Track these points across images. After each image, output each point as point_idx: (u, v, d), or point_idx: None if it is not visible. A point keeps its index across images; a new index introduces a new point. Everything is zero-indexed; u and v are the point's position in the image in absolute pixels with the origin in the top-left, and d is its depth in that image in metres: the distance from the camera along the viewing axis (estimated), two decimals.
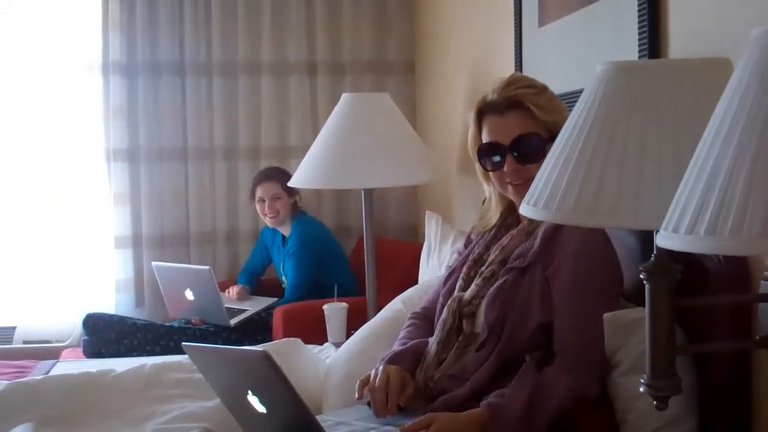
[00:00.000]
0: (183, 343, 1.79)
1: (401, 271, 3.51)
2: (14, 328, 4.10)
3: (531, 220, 1.90)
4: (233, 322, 3.56)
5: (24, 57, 4.05)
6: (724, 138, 0.86)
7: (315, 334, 2.98)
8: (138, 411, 2.20)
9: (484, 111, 1.92)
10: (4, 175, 4.12)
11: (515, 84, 1.91)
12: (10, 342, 4.03)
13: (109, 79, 4.00)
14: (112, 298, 4.08)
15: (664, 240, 0.92)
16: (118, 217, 4.06)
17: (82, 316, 3.63)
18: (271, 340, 3.09)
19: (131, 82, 4.03)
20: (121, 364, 2.54)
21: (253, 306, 3.73)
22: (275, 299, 3.76)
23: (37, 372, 2.86)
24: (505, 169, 1.88)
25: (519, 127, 1.87)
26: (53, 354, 3.70)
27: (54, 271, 4.14)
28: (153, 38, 4.04)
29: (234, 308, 3.70)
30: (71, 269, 4.11)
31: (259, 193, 3.83)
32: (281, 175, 3.79)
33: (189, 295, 3.54)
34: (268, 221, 3.87)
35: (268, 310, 3.69)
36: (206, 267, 3.57)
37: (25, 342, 4.05)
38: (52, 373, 2.74)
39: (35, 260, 4.15)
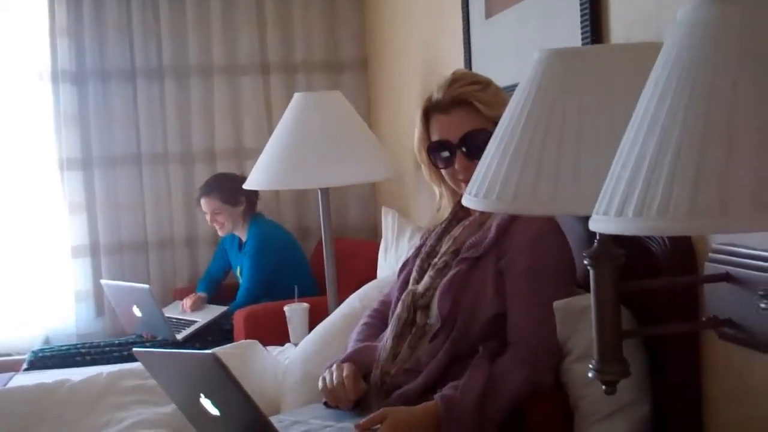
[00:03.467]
0: (134, 348, 1.78)
1: (362, 270, 3.50)
2: None
3: (482, 212, 1.91)
4: (180, 336, 3.52)
5: None
6: (651, 120, 0.86)
7: (277, 335, 2.97)
8: (94, 420, 2.18)
9: (430, 110, 1.94)
10: None
11: (459, 81, 1.92)
12: None
13: (59, 86, 3.95)
14: (71, 309, 4.04)
15: (595, 223, 0.93)
16: (74, 227, 4.01)
17: (28, 354, 3.54)
18: None
19: (81, 88, 3.99)
20: (78, 374, 2.51)
21: (204, 317, 3.70)
22: (226, 308, 3.73)
23: None
24: (456, 166, 1.90)
25: (466, 124, 1.88)
26: (12, 367, 3.65)
27: (11, 283, 4.08)
28: (102, 44, 3.99)
29: (184, 320, 3.67)
30: (29, 281, 4.06)
31: (201, 207, 3.81)
32: (220, 187, 3.75)
33: (137, 311, 3.51)
34: (218, 232, 3.85)
35: (219, 320, 3.66)
36: (146, 286, 3.52)
37: None
38: (9, 386, 2.70)
39: None
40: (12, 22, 3.98)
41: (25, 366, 3.44)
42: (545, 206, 1.23)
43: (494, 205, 1.25)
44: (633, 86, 1.19)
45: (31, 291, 4.07)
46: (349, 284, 3.22)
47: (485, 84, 1.93)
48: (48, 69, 3.95)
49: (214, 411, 1.67)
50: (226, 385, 1.57)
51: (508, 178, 1.23)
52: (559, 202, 1.21)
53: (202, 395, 1.65)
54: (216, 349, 2.22)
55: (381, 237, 3.40)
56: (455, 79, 1.91)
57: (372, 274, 3.16)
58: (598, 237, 1.37)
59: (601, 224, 0.91)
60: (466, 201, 1.32)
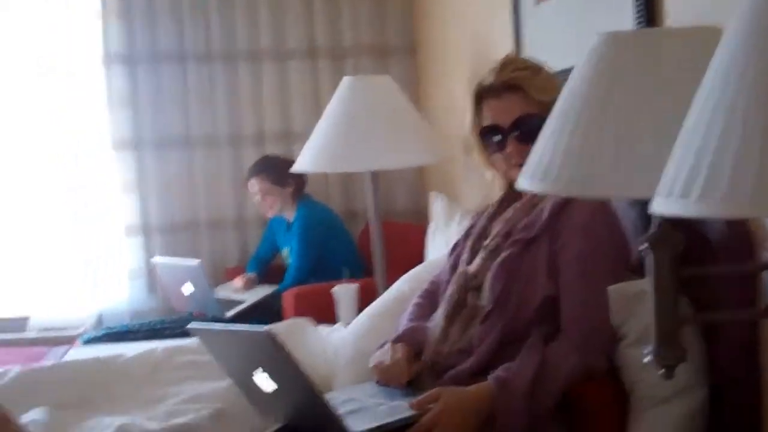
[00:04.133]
0: (190, 324, 1.81)
1: (409, 253, 3.52)
2: (27, 318, 4.13)
3: (534, 195, 1.92)
4: (229, 314, 3.57)
5: (26, 50, 4.07)
6: (715, 103, 0.86)
7: (326, 316, 3.00)
8: (149, 394, 2.23)
9: (482, 95, 1.94)
10: (13, 168, 4.14)
11: (510, 66, 1.93)
12: (23, 331, 4.07)
13: (111, 69, 4.01)
14: (124, 287, 4.11)
15: (658, 205, 0.93)
16: (127, 206, 4.08)
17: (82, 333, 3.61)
18: None
19: (132, 71, 4.04)
20: (131, 349, 2.57)
21: (253, 296, 3.74)
22: (274, 288, 3.77)
23: (49, 359, 2.89)
24: (507, 150, 1.90)
25: (517, 108, 1.89)
26: (66, 342, 3.73)
27: (66, 260, 4.17)
28: (152, 27, 4.04)
29: (233, 299, 3.72)
30: (83, 258, 4.14)
31: (249, 188, 3.85)
32: (270, 169, 3.79)
33: (187, 289, 3.55)
34: (267, 213, 3.89)
35: (267, 299, 3.70)
36: (196, 261, 3.57)
37: (39, 331, 4.08)
38: (64, 360, 2.77)
39: (47, 251, 4.18)
40: (65, 6, 4.04)
41: (80, 343, 3.53)
42: (602, 189, 1.24)
43: (551, 187, 1.26)
44: (691, 70, 1.19)
45: (85, 269, 4.15)
46: (395, 267, 3.23)
47: (537, 69, 1.94)
48: (100, 52, 4.01)
49: (269, 386, 1.70)
50: (281, 362, 1.60)
51: (565, 160, 1.23)
52: (616, 185, 1.21)
53: (257, 371, 1.69)
54: (269, 326, 2.25)
55: (428, 221, 3.41)
56: (507, 64, 1.92)
57: (418, 258, 3.18)
58: (657, 221, 1.38)
59: (663, 206, 0.91)
60: (522, 183, 1.33)
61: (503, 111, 1.89)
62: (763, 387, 1.65)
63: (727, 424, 1.69)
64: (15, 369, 2.41)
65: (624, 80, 1.20)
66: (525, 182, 1.29)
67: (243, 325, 2.22)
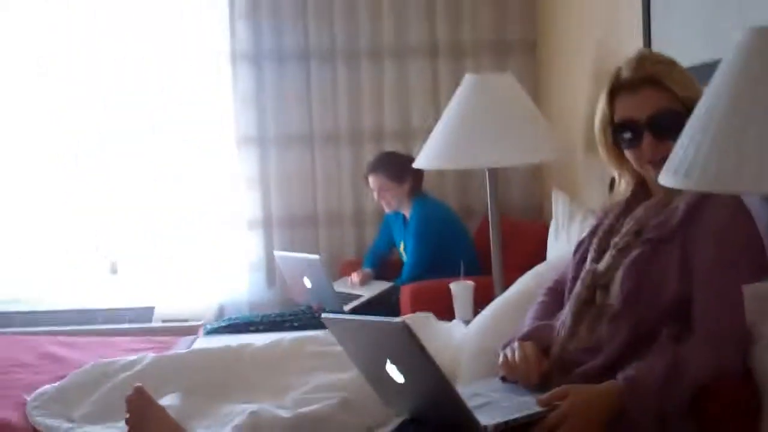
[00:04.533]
0: (322, 314, 1.86)
1: (525, 250, 3.51)
2: (153, 308, 4.30)
3: (666, 193, 1.89)
4: (347, 308, 3.62)
5: (157, 48, 4.24)
6: None
7: (441, 312, 3.02)
8: (278, 382, 2.30)
9: (616, 89, 1.92)
10: (143, 163, 4.32)
11: (648, 60, 1.90)
12: (149, 321, 4.24)
13: (237, 67, 4.13)
14: (245, 279, 4.24)
15: None
16: (250, 201, 4.20)
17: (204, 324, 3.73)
18: None
19: (258, 69, 4.16)
20: (258, 339, 2.65)
21: (370, 291, 3.80)
22: (391, 284, 3.81)
23: (179, 347, 3.00)
24: (642, 146, 1.87)
25: (654, 103, 1.85)
26: (190, 332, 3.86)
27: (190, 253, 4.32)
28: (278, 27, 4.15)
29: (351, 294, 3.78)
30: (206, 252, 4.29)
31: (368, 183, 3.91)
32: (388, 165, 3.84)
33: (307, 282, 3.63)
34: (384, 208, 3.95)
35: (383, 295, 3.75)
36: (316, 256, 3.64)
37: (163, 321, 4.24)
38: (193, 348, 2.87)
39: (173, 243, 4.34)
40: (195, 5, 4.19)
41: (203, 333, 3.65)
42: (749, 185, 1.21)
43: (695, 183, 1.24)
44: None
45: (207, 261, 4.30)
46: (511, 265, 3.23)
47: (673, 63, 1.90)
48: (227, 50, 4.14)
49: (399, 378, 1.73)
50: (414, 353, 1.62)
51: (711, 156, 1.22)
52: (764, 180, 1.19)
53: (388, 362, 1.72)
54: (401, 318, 2.29)
55: (546, 219, 3.39)
56: (643, 58, 1.90)
57: (534, 256, 3.16)
58: None
59: None
60: (664, 179, 1.31)
61: (639, 105, 1.86)
62: None
63: None
64: (150, 355, 2.52)
65: None
66: (668, 178, 1.28)
67: (375, 316, 2.26)
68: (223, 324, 3.67)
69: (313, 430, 2.02)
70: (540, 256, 3.08)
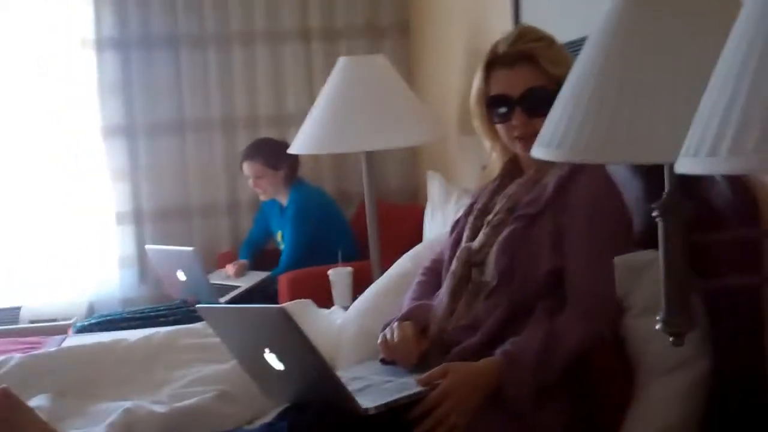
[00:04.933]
0: (197, 305, 1.80)
1: (404, 233, 3.51)
2: (19, 308, 4.10)
3: (537, 170, 1.92)
4: (224, 299, 3.56)
5: (16, 35, 4.02)
6: (744, 55, 0.86)
7: (321, 299, 2.99)
8: (153, 377, 2.22)
9: (493, 63, 1.93)
10: (2, 154, 4.10)
11: (526, 37, 1.92)
12: (16, 322, 4.04)
13: (103, 53, 3.97)
14: (115, 275, 4.09)
15: (683, 165, 0.93)
16: (118, 194, 4.05)
17: (74, 322, 3.60)
18: None
19: (125, 56, 4.01)
20: (132, 335, 2.56)
21: (247, 282, 3.73)
22: (268, 273, 3.76)
23: (48, 347, 2.86)
24: (513, 122, 1.89)
25: (528, 80, 1.88)
26: (60, 332, 3.70)
27: (57, 250, 4.14)
28: (145, 11, 4.01)
29: (227, 285, 3.71)
30: (74, 247, 4.11)
31: (243, 171, 3.84)
32: (263, 152, 3.78)
33: (181, 276, 3.54)
34: (260, 196, 3.89)
35: (261, 285, 3.69)
36: (190, 248, 3.55)
37: (31, 321, 4.05)
38: (63, 346, 2.75)
39: (37, 240, 4.14)
40: None
41: (73, 331, 3.50)
42: (619, 155, 1.23)
43: (567, 154, 1.25)
44: (708, 28, 1.19)
45: (75, 257, 4.12)
46: (390, 248, 3.23)
47: (551, 41, 1.93)
48: (92, 36, 3.97)
49: (277, 366, 1.69)
50: (293, 339, 1.59)
51: (582, 127, 1.23)
52: (633, 150, 1.21)
53: (266, 350, 1.68)
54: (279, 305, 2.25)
55: (423, 201, 3.41)
56: (522, 34, 1.91)
57: (413, 238, 3.17)
58: (667, 189, 1.38)
59: (690, 165, 0.91)
60: (537, 152, 1.32)
61: (513, 81, 1.88)
62: (766, 358, 1.66)
63: (728, 394, 1.70)
64: (16, 356, 2.39)
65: (639, 42, 1.19)
66: (540, 151, 1.29)
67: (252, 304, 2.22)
68: (94, 321, 3.54)
69: (190, 423, 1.96)
70: (418, 239, 3.09)
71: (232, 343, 1.85)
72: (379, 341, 1.95)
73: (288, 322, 1.56)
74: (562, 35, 2.25)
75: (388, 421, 1.68)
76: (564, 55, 1.91)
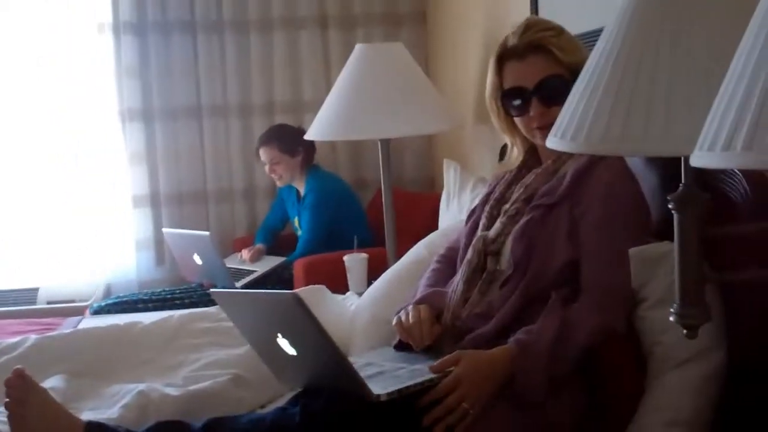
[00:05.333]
0: (211, 290, 1.81)
1: (419, 221, 3.52)
2: (37, 289, 4.15)
3: (555, 160, 1.92)
4: (239, 284, 3.58)
5: (35, 20, 4.04)
6: (760, 50, 0.85)
7: (336, 285, 3.00)
8: (167, 360, 2.24)
9: (504, 57, 1.93)
10: (21, 137, 4.13)
11: (534, 27, 1.91)
12: (34, 302, 4.08)
13: (120, 38, 3.99)
14: (132, 257, 4.12)
15: (699, 159, 0.92)
16: (135, 177, 4.07)
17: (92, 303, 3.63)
18: None
19: (142, 41, 4.02)
20: (147, 318, 2.58)
21: (263, 267, 3.75)
22: (284, 259, 3.78)
23: (65, 328, 2.89)
24: (531, 113, 1.89)
25: (542, 69, 1.88)
26: (76, 313, 3.73)
27: (75, 232, 4.17)
28: None
29: (243, 269, 3.73)
30: (92, 230, 4.14)
31: (260, 157, 3.85)
32: (280, 137, 3.79)
33: (197, 259, 3.56)
34: (276, 182, 3.90)
35: (277, 270, 3.71)
36: (206, 233, 3.57)
37: (48, 302, 4.09)
38: (79, 328, 2.77)
39: (55, 222, 4.17)
40: None
41: (89, 312, 3.53)
42: (635, 146, 1.22)
43: (582, 146, 1.24)
44: (727, 22, 1.18)
45: (93, 240, 4.15)
46: (406, 235, 3.24)
47: (560, 30, 1.92)
48: (109, 21, 3.98)
49: (290, 351, 1.70)
50: (305, 325, 1.60)
51: (597, 118, 1.22)
52: (649, 141, 1.20)
53: (279, 335, 1.69)
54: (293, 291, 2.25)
55: (438, 189, 3.41)
56: (530, 25, 1.91)
57: (428, 226, 3.17)
58: (683, 180, 1.37)
59: (706, 160, 0.90)
60: (551, 143, 1.31)
61: (527, 72, 1.88)
62: None
63: (744, 387, 1.70)
64: (32, 337, 2.41)
65: (657, 33, 1.18)
66: (555, 142, 1.28)
67: (266, 290, 2.23)
68: (111, 302, 3.57)
69: (204, 407, 1.97)
70: (433, 227, 3.09)
71: (246, 328, 1.86)
72: (394, 322, 1.96)
73: (301, 308, 1.56)
74: (580, 25, 2.25)
75: (400, 407, 1.69)
76: (575, 42, 1.91)
